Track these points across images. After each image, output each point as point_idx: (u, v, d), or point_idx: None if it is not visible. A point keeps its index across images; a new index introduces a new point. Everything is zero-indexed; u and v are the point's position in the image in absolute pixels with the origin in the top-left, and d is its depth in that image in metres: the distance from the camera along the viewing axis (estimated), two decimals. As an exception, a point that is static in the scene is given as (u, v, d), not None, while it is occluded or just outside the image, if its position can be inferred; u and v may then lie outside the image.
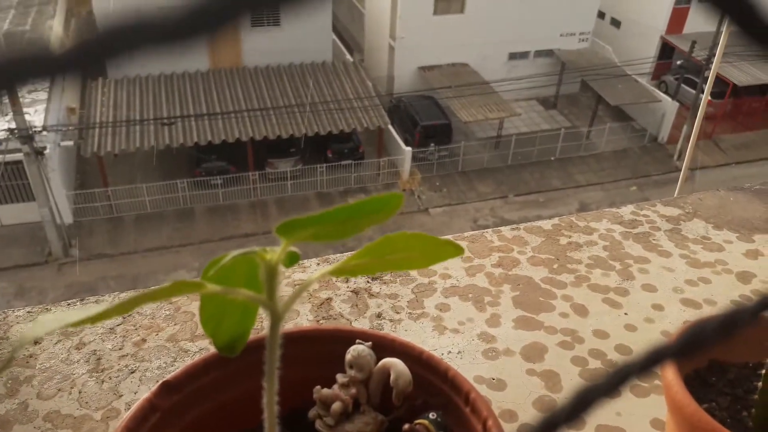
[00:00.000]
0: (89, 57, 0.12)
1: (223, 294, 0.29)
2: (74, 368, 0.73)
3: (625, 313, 0.83)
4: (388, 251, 0.32)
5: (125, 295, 0.85)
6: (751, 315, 0.22)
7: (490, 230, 1.00)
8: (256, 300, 0.30)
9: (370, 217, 0.29)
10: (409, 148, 11.27)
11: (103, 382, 0.71)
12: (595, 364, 0.75)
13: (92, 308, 0.23)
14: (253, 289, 0.31)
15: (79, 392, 0.70)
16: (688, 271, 0.91)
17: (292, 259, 0.31)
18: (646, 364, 0.23)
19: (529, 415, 0.67)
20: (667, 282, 0.89)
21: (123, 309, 0.24)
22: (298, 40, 11.80)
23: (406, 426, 0.42)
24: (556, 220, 1.04)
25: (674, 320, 0.82)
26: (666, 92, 13.30)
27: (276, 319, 0.31)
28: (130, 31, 0.12)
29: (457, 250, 0.36)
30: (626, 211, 1.07)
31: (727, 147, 12.58)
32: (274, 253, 0.29)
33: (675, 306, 0.85)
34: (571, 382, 0.73)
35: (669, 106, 12.60)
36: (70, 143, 10.59)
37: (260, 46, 11.83)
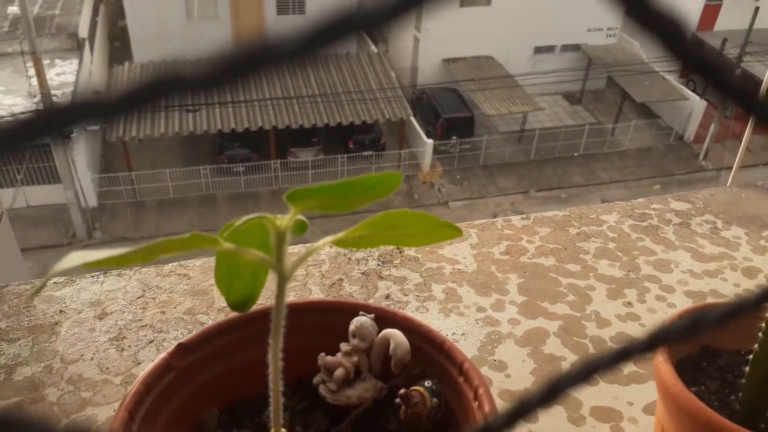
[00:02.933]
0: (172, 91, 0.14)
1: (235, 252, 0.32)
2: (96, 336, 0.77)
3: (629, 303, 0.85)
4: (389, 227, 0.35)
5: (143, 269, 0.89)
6: (754, 305, 0.24)
7: (500, 219, 1.02)
8: (265, 261, 0.33)
9: (370, 192, 0.31)
10: (430, 140, 11.27)
11: (123, 350, 0.75)
12: (596, 350, 0.77)
13: (116, 250, 0.26)
14: (263, 252, 0.34)
15: (101, 358, 0.74)
16: (693, 264, 0.93)
17: (300, 227, 0.34)
18: (646, 347, 0.25)
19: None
20: (672, 274, 0.91)
21: (145, 254, 0.27)
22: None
23: (402, 391, 0.44)
24: (566, 211, 1.05)
25: (676, 310, 0.83)
26: (694, 90, 13.10)
27: (283, 280, 0.34)
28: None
29: (455, 232, 0.38)
30: (637, 204, 1.08)
31: (756, 147, 12.36)
32: (284, 219, 0.32)
33: (678, 297, 0.86)
34: (572, 366, 0.75)
35: (696, 104, 12.42)
36: (96, 127, 10.76)
37: (285, 34, 11.87)
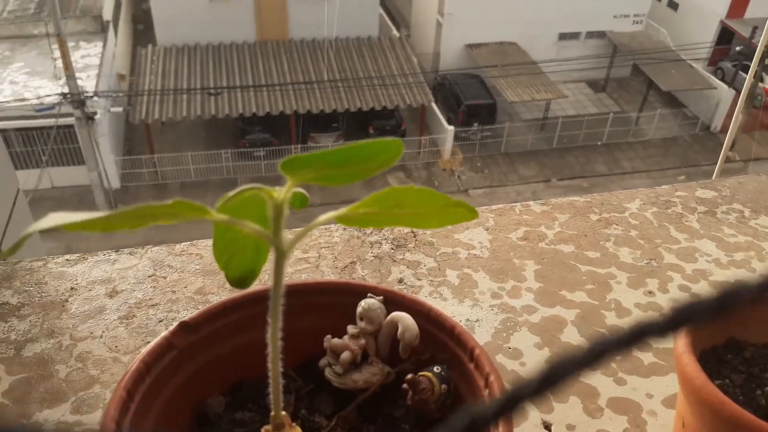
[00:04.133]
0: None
1: (228, 224, 0.30)
2: (106, 314, 0.77)
3: (650, 292, 0.82)
4: (394, 204, 0.33)
5: (155, 248, 0.88)
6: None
7: (518, 204, 1.00)
8: (262, 235, 0.31)
9: (371, 160, 0.29)
10: (451, 127, 11.19)
11: (132, 328, 0.75)
12: (614, 340, 0.75)
13: (97, 213, 0.25)
14: (263, 227, 0.32)
15: (110, 336, 0.73)
16: (719, 254, 0.90)
17: (300, 200, 0.32)
18: (665, 327, 0.22)
19: (543, 384, 0.68)
20: (696, 264, 0.88)
21: (126, 219, 0.25)
22: (345, 13, 11.76)
23: (410, 376, 0.43)
24: (587, 197, 1.02)
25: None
26: (722, 79, 12.81)
27: (281, 255, 0.32)
28: None
29: (470, 213, 0.35)
30: (661, 191, 1.04)
31: (785, 139, 12.08)
32: (281, 191, 0.31)
33: (703, 287, 0.83)
34: (589, 356, 0.72)
35: (724, 93, 12.15)
36: (120, 110, 10.86)
37: (307, 18, 11.85)
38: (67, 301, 0.79)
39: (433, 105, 11.38)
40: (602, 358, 0.16)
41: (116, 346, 0.72)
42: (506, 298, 0.80)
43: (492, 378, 0.41)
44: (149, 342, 0.73)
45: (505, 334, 0.74)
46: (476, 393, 0.42)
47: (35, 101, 9.70)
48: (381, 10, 12.92)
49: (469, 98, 11.71)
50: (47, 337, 0.73)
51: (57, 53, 9.22)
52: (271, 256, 0.46)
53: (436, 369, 0.44)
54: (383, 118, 11.25)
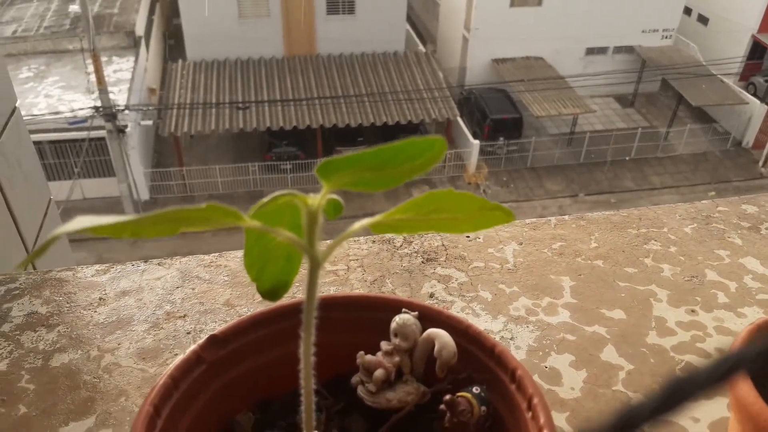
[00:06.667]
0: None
1: (266, 233, 0.29)
2: (134, 326, 0.76)
3: (693, 311, 0.79)
4: (433, 209, 0.31)
5: (184, 259, 0.87)
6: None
7: (553, 218, 0.97)
8: (296, 243, 0.29)
9: (413, 161, 0.28)
10: (477, 141, 11.15)
11: (159, 340, 0.74)
12: (656, 360, 0.72)
13: (126, 216, 0.24)
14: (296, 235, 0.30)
15: (137, 348, 0.72)
16: (765, 271, 0.86)
17: (335, 208, 0.30)
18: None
19: (581, 405, 0.65)
20: (740, 282, 0.84)
21: (155, 223, 0.24)
22: (371, 28, 11.85)
23: (448, 397, 0.41)
24: (624, 212, 0.99)
25: (746, 321, 0.77)
26: (754, 94, 12.59)
27: (315, 265, 0.30)
28: None
29: (507, 216, 0.34)
30: (702, 206, 1.01)
31: (820, 155, 11.78)
32: (316, 198, 0.29)
33: (747, 307, 0.80)
34: (629, 377, 0.69)
35: (757, 108, 11.93)
36: (150, 123, 11.05)
37: (334, 34, 11.97)
38: (95, 311, 0.78)
39: (459, 119, 11.37)
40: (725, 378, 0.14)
41: (143, 358, 0.71)
42: (542, 315, 0.77)
43: (536, 401, 0.39)
44: (177, 354, 0.72)
45: (541, 353, 0.72)
46: (518, 416, 0.40)
47: (69, 114, 9.93)
48: (407, 26, 12.98)
49: (495, 113, 11.67)
50: (75, 348, 0.73)
51: (90, 68, 9.44)
52: (302, 268, 0.44)
53: (475, 390, 0.42)
54: (409, 132, 11.25)
